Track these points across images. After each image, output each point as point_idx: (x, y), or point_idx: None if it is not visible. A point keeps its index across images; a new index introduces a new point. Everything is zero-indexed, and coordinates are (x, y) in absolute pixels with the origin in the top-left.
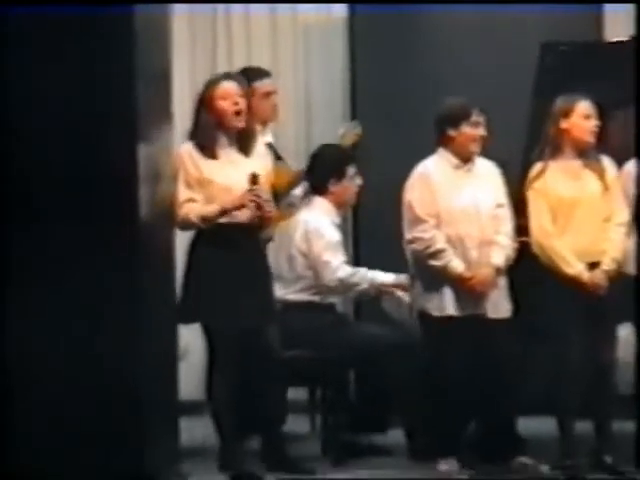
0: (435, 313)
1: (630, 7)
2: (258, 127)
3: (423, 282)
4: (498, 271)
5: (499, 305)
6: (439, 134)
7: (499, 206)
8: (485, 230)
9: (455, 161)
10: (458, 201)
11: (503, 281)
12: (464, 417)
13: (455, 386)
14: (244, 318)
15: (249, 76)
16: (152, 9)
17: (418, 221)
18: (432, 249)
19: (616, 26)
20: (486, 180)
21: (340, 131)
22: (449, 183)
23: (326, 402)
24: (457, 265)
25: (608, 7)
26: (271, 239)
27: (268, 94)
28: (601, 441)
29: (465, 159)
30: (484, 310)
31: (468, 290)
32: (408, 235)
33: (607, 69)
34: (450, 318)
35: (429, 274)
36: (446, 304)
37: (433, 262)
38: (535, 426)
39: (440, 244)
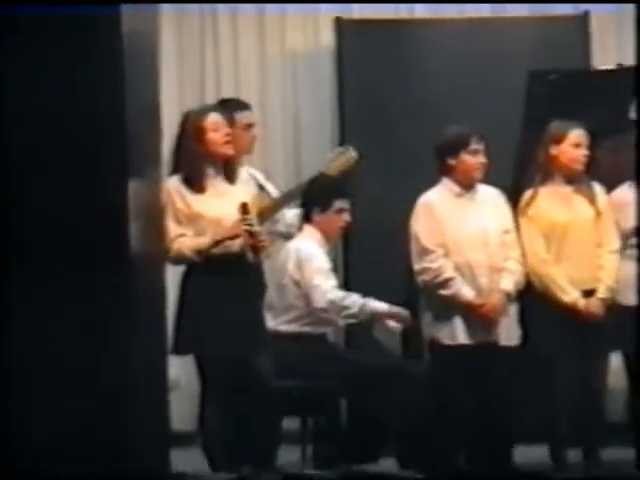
0: (446, 342)
1: (618, 30)
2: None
3: (433, 311)
4: (508, 297)
5: (509, 332)
6: (440, 163)
7: (506, 232)
8: (493, 256)
9: (457, 189)
10: (464, 229)
11: (513, 307)
12: (462, 445)
13: (459, 413)
14: (237, 349)
15: (230, 107)
16: (140, 40)
17: (426, 252)
18: (441, 278)
19: (604, 53)
20: (491, 206)
21: (329, 156)
22: (453, 212)
23: (318, 432)
24: (467, 292)
25: (595, 35)
26: (260, 268)
27: (248, 126)
28: (590, 468)
29: (467, 187)
30: (495, 337)
31: (479, 317)
32: (417, 266)
33: (595, 97)
34: (461, 346)
35: (439, 303)
36: (457, 332)
37: (443, 291)
38: (529, 453)
39: (449, 273)
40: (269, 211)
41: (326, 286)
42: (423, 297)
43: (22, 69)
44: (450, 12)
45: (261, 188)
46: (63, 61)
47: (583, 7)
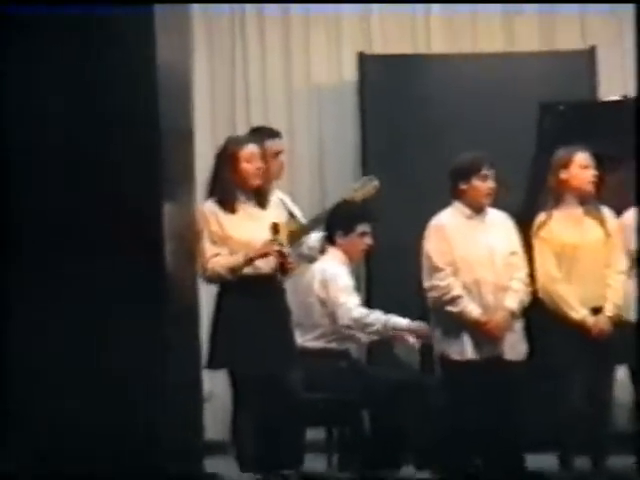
0: (456, 357)
1: (622, 63)
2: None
3: (442, 328)
4: (513, 315)
5: (515, 347)
6: (452, 187)
7: (513, 253)
8: (500, 276)
9: (468, 212)
10: (473, 249)
11: (519, 324)
12: (476, 453)
13: (471, 424)
14: (269, 364)
15: (261, 135)
16: (174, 67)
17: (435, 270)
18: (449, 296)
19: (610, 85)
20: (499, 229)
21: (354, 185)
22: (463, 233)
23: (342, 441)
24: (473, 310)
25: (602, 68)
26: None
27: (277, 153)
28: (599, 475)
29: (477, 210)
30: (502, 352)
31: (485, 334)
32: (427, 283)
33: (604, 127)
34: (470, 361)
35: (448, 320)
36: (466, 348)
37: (450, 308)
38: (538, 461)
39: (457, 291)
40: (297, 235)
41: (350, 304)
42: (433, 314)
43: (58, 91)
44: (465, 46)
45: (290, 213)
46: (98, 83)
47: (590, 42)
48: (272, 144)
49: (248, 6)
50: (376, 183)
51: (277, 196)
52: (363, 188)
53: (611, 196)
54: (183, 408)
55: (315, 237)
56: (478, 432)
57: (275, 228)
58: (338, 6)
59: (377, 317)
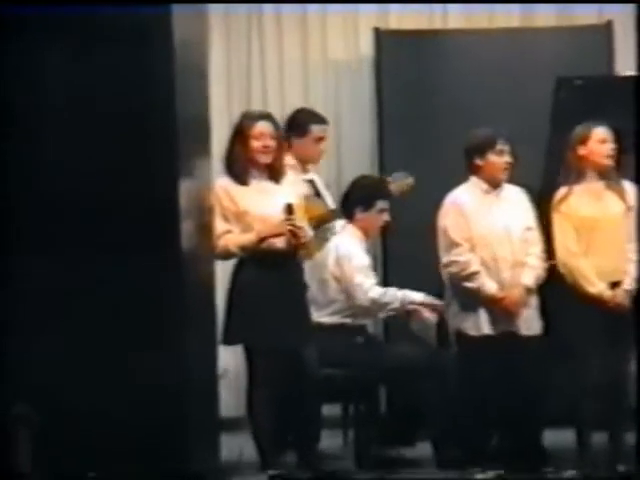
0: (472, 332)
1: None
2: (302, 166)
3: (459, 303)
4: (529, 291)
5: (531, 323)
6: (468, 163)
7: (529, 229)
8: (516, 252)
9: (485, 187)
10: (490, 225)
11: (534, 300)
12: (492, 429)
13: (487, 400)
14: (284, 339)
15: (307, 118)
16: (190, 46)
17: (453, 245)
18: (467, 271)
19: (627, 60)
20: (515, 205)
21: (389, 179)
22: (480, 208)
23: (358, 417)
24: (490, 286)
25: (619, 43)
26: (301, 264)
27: (320, 139)
28: (615, 451)
29: (494, 185)
30: (517, 328)
31: (501, 309)
32: (444, 259)
33: (619, 102)
34: (486, 336)
35: (465, 295)
36: (482, 323)
37: (468, 284)
38: (554, 437)
39: (475, 267)
40: (323, 219)
41: (367, 285)
42: (449, 289)
43: (77, 76)
44: (481, 22)
45: (318, 195)
46: (118, 66)
47: (607, 15)
48: (317, 129)
49: None
50: (410, 180)
51: (307, 178)
52: (397, 182)
53: (627, 172)
54: (200, 382)
55: (340, 224)
56: (493, 408)
57: (289, 208)
58: None
59: (394, 294)
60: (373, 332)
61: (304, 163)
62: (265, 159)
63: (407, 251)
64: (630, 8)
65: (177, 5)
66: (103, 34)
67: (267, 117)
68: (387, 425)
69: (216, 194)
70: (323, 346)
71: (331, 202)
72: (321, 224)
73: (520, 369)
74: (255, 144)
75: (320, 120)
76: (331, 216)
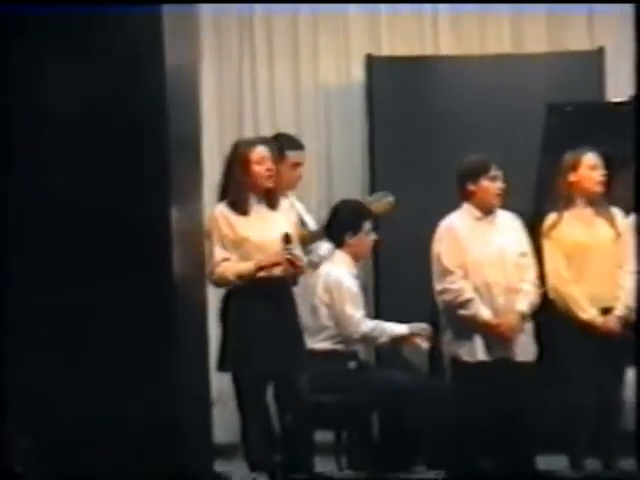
0: (467, 359)
1: (630, 65)
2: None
3: (454, 329)
4: (523, 317)
5: (525, 348)
6: (461, 189)
7: (522, 255)
8: (510, 278)
9: (478, 214)
10: (483, 251)
11: (529, 325)
12: (487, 454)
13: (482, 425)
14: (280, 366)
15: (283, 143)
16: (182, 73)
17: (447, 273)
18: (461, 299)
19: (618, 87)
20: (509, 231)
21: (369, 199)
22: (474, 235)
23: (351, 444)
24: (485, 313)
25: (610, 70)
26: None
27: (296, 165)
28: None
29: (487, 211)
30: (512, 354)
31: (496, 336)
32: (438, 286)
33: (610, 128)
34: (481, 363)
35: (459, 322)
36: (477, 350)
37: (462, 311)
38: (549, 462)
39: (468, 294)
40: (305, 242)
41: (357, 318)
42: (443, 316)
43: (64, 95)
44: (473, 47)
45: (300, 220)
46: (110, 89)
47: (598, 41)
48: (293, 155)
49: (257, 7)
50: (391, 199)
51: (289, 201)
52: (377, 202)
53: (618, 198)
54: (193, 409)
55: (326, 246)
56: (489, 433)
57: (287, 238)
58: (346, 7)
59: (382, 329)
60: (365, 358)
61: (281, 189)
62: (268, 183)
63: (400, 276)
64: (623, 34)
65: (168, 6)
66: (97, 57)
67: (265, 142)
68: (380, 451)
69: (215, 221)
70: (316, 372)
71: (312, 224)
72: (305, 246)
73: (515, 394)
74: (257, 169)
75: (296, 146)
76: (314, 238)
